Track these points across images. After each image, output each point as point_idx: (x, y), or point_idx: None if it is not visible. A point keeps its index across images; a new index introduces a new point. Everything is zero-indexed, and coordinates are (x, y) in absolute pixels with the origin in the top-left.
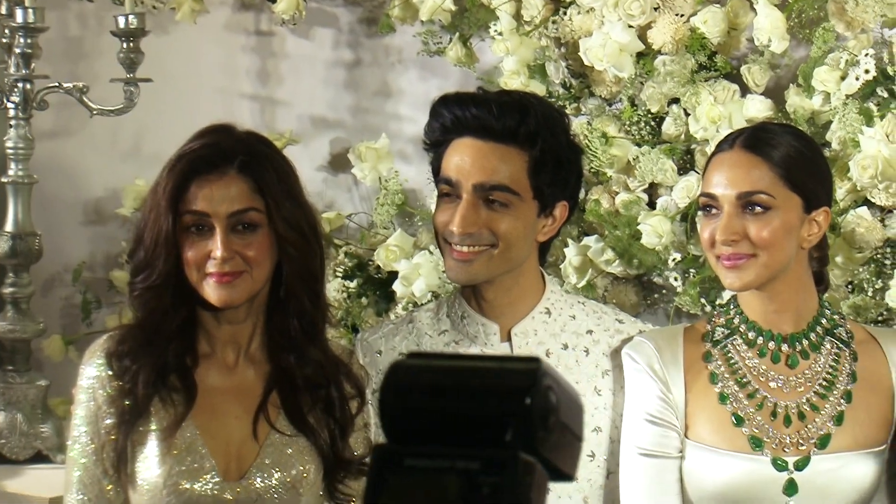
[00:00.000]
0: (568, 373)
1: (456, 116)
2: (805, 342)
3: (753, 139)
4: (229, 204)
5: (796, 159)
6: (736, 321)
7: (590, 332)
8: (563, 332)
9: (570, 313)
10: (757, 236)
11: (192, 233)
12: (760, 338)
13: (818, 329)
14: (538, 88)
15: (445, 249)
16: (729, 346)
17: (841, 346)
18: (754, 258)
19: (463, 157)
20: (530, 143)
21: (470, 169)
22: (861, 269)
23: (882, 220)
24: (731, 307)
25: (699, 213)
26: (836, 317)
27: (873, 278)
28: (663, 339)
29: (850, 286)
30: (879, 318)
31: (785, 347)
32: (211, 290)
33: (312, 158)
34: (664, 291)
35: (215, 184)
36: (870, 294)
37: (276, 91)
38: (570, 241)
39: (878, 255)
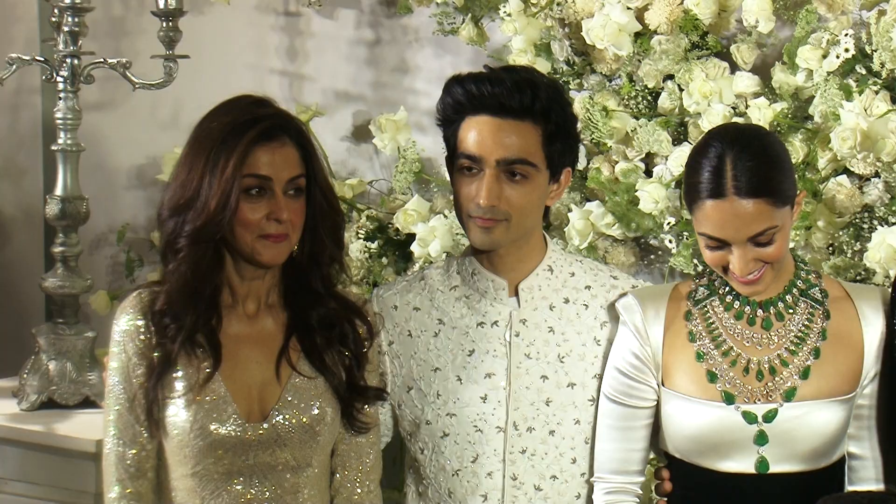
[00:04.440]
0: (570, 325)
1: (472, 95)
2: (780, 304)
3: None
4: (289, 170)
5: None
6: (717, 283)
7: (588, 287)
8: (564, 288)
9: (569, 270)
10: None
11: (250, 195)
12: (737, 302)
13: (794, 291)
14: (544, 66)
15: (468, 220)
16: (708, 306)
17: (815, 305)
18: None
19: (482, 133)
20: (544, 117)
21: (492, 145)
22: (841, 233)
23: (860, 188)
24: (713, 270)
25: None
26: (811, 277)
27: (852, 241)
28: (650, 296)
29: (830, 248)
30: (858, 278)
31: (760, 311)
32: (264, 249)
33: (336, 129)
34: (660, 253)
35: (277, 151)
36: (849, 255)
37: (303, 67)
38: (573, 207)
39: (857, 220)
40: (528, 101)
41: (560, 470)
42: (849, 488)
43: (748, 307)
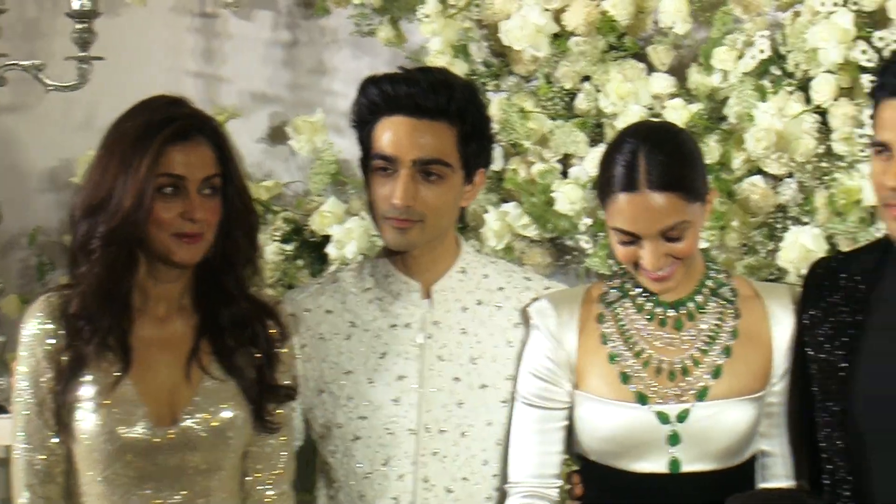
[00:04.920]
0: (482, 326)
1: (387, 95)
2: (691, 305)
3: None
4: (203, 170)
5: None
6: (628, 285)
7: (501, 288)
8: (478, 290)
9: (483, 272)
10: None
11: (164, 195)
12: (648, 303)
13: (704, 291)
14: (461, 67)
15: (383, 221)
16: (619, 308)
17: (725, 304)
18: None
19: (398, 133)
20: (460, 118)
21: (407, 145)
22: (755, 233)
23: (774, 188)
24: (625, 271)
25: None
26: (721, 276)
27: (766, 241)
28: (563, 300)
29: (745, 248)
30: (771, 278)
31: (671, 312)
32: (178, 249)
33: (252, 131)
34: (576, 253)
35: (192, 151)
36: (762, 255)
37: (219, 69)
38: (490, 208)
39: (771, 220)
40: (444, 101)
41: (471, 472)
42: (760, 485)
43: (659, 308)
